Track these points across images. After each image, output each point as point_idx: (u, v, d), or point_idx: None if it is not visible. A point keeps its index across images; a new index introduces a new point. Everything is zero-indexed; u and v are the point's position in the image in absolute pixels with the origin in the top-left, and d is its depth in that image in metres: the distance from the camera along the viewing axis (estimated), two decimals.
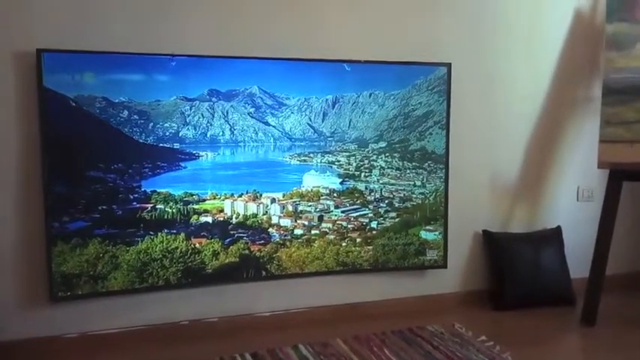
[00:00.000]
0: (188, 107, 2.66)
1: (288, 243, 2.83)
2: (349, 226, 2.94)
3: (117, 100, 2.51)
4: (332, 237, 2.90)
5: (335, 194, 2.93)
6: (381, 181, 2.99)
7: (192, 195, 2.67)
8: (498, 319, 3.05)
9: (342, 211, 2.94)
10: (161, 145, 2.64)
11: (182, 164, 2.68)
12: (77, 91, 2.42)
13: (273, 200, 2.82)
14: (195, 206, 2.68)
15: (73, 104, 2.43)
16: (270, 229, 2.81)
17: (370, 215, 2.97)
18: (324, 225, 2.90)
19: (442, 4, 3.06)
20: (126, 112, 2.53)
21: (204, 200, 2.70)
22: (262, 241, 2.79)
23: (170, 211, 2.63)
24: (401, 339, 2.69)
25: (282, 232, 2.83)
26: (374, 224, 2.97)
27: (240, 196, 2.76)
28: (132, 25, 2.53)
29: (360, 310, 3.01)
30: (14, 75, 2.39)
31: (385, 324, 2.85)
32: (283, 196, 2.85)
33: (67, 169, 2.46)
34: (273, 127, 2.82)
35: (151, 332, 2.66)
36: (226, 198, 2.73)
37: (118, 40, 2.49)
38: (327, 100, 2.89)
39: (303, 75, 2.78)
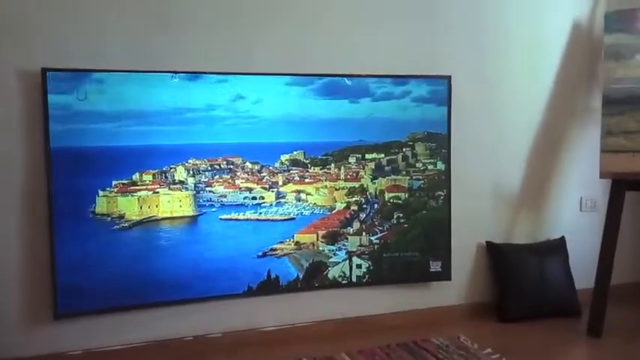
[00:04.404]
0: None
1: None
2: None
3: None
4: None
5: None
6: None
7: None
8: (504, 331, 3.03)
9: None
10: None
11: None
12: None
13: None
14: None
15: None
16: None
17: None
18: None
19: (442, 18, 3.09)
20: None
21: None
22: None
23: None
24: (406, 352, 2.68)
25: None
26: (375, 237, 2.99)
27: None
28: (134, 42, 2.56)
29: (364, 323, 3.00)
30: (20, 94, 2.42)
31: (390, 337, 2.83)
32: None
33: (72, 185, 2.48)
34: None
35: (155, 348, 2.65)
36: None
37: (119, 58, 2.52)
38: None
39: None
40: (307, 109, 2.84)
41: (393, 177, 3.01)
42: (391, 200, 3.02)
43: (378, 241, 2.98)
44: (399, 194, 3.02)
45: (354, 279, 2.95)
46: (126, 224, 2.60)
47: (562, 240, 3.35)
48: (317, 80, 2.82)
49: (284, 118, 2.80)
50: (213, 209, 2.76)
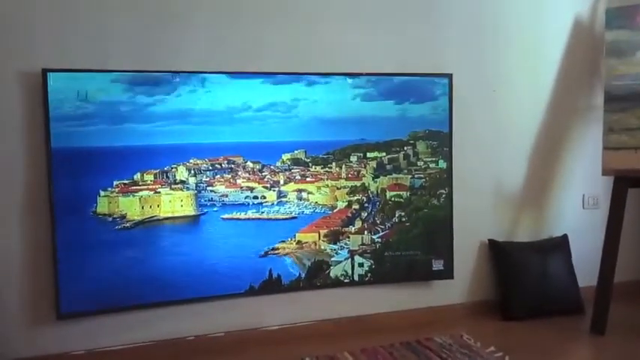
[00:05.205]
0: None
1: None
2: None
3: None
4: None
5: None
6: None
7: None
8: (507, 329, 3.02)
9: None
10: None
11: None
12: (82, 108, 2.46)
13: None
14: None
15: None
16: None
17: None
18: None
19: (443, 15, 3.08)
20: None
21: None
22: None
23: None
24: (409, 351, 2.67)
25: None
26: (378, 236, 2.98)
27: None
28: (135, 42, 2.56)
29: (367, 322, 2.99)
30: (21, 94, 2.42)
31: (393, 336, 2.83)
32: None
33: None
34: None
35: (157, 348, 2.65)
36: None
37: (121, 58, 2.52)
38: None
39: None
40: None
41: (394, 175, 3.01)
42: (393, 199, 3.01)
43: (379, 239, 2.98)
44: (401, 193, 3.01)
45: (356, 278, 2.95)
46: (127, 224, 2.60)
47: (565, 238, 3.34)
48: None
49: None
50: (215, 209, 2.77)
